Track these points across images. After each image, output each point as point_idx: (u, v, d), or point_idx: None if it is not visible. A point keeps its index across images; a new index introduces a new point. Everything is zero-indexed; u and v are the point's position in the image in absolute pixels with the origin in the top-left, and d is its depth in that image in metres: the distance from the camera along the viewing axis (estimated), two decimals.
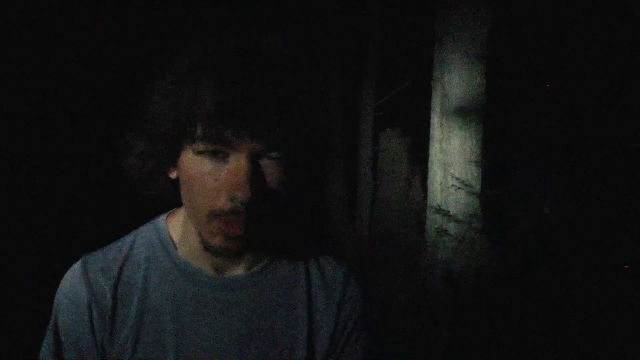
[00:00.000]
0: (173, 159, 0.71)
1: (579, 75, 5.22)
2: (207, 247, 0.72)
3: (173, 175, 0.74)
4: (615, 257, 3.98)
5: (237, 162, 0.66)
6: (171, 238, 0.81)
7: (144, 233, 0.83)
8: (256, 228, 0.69)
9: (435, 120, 4.30)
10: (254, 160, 0.66)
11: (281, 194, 0.70)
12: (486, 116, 4.21)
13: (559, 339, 3.20)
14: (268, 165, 0.68)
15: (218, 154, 0.67)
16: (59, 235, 4.07)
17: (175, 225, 0.82)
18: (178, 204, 0.78)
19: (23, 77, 4.61)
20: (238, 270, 0.80)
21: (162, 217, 0.84)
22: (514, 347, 3.16)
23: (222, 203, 0.67)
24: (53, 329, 0.80)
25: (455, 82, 4.13)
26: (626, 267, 3.89)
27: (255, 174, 0.66)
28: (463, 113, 4.13)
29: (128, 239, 0.83)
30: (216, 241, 0.70)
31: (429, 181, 4.39)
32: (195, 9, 5.25)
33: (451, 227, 4.09)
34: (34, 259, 3.68)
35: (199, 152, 0.67)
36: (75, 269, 0.80)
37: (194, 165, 0.68)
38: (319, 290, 0.84)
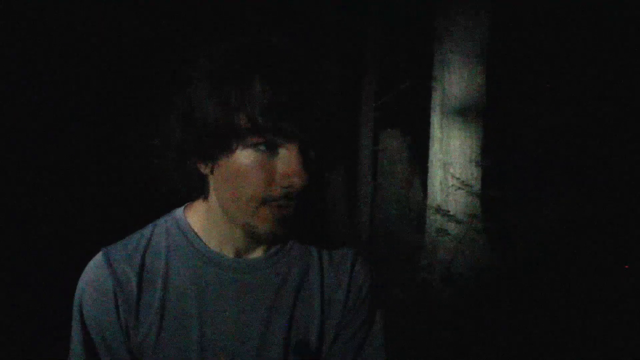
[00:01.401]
0: (212, 155, 0.74)
1: (579, 75, 5.22)
2: (253, 235, 0.77)
3: (205, 170, 0.77)
4: (615, 257, 3.98)
5: (290, 152, 0.71)
6: (191, 227, 0.84)
7: (162, 224, 0.86)
8: (300, 211, 0.75)
9: (435, 120, 4.30)
10: (304, 150, 0.72)
11: (313, 182, 0.75)
12: (486, 116, 4.21)
13: (559, 339, 3.20)
14: (310, 156, 0.74)
15: (269, 147, 0.71)
16: (59, 236, 4.06)
17: (195, 216, 0.85)
18: (193, 197, 0.83)
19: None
20: (257, 254, 0.85)
21: (179, 210, 0.87)
22: (514, 347, 3.16)
23: (274, 191, 0.72)
24: (79, 321, 0.80)
25: (455, 82, 4.13)
26: (626, 267, 3.89)
27: (306, 162, 0.72)
28: (463, 113, 4.12)
29: (146, 230, 0.85)
30: (267, 226, 0.75)
31: (429, 181, 4.39)
32: (195, 10, 5.24)
33: (451, 227, 4.09)
34: (34, 259, 3.67)
35: (248, 146, 0.71)
36: (97, 260, 0.82)
37: (243, 159, 0.72)
38: (329, 268, 0.89)
